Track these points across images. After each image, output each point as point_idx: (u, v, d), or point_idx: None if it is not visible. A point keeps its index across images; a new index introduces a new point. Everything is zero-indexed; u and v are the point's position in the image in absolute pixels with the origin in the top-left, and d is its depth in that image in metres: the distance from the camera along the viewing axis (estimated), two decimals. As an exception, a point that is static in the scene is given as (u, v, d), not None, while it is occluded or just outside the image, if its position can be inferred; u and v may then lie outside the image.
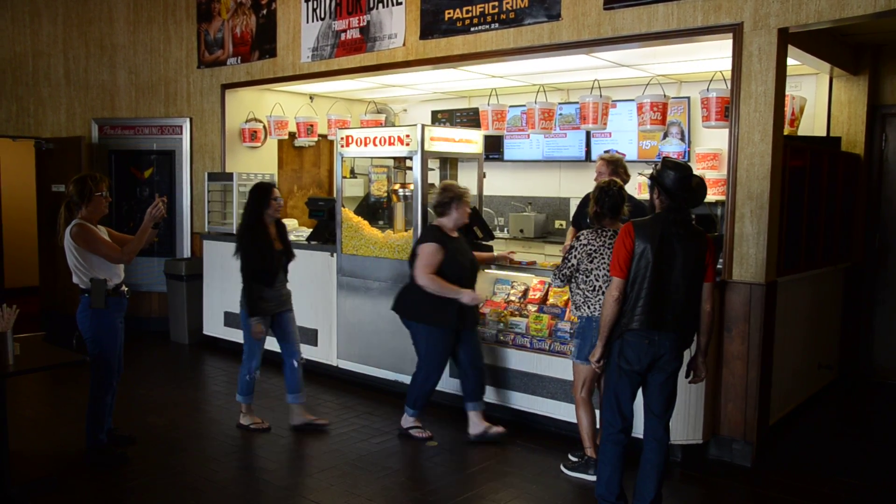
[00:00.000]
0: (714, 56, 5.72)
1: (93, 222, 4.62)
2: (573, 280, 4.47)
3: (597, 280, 4.34)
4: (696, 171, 6.83)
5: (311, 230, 7.09)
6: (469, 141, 6.34)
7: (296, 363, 5.29)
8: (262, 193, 5.08)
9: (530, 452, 4.89)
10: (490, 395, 5.55)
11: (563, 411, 5.11)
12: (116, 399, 4.97)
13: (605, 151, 5.60)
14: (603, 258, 4.32)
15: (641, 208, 4.81)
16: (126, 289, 4.76)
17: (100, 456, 4.67)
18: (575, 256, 4.39)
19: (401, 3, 6.47)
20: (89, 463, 4.66)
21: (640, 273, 3.68)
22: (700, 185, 3.82)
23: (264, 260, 5.03)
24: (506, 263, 5.63)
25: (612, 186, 4.41)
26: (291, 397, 5.33)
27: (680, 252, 3.68)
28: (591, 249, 4.36)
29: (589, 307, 4.38)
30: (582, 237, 4.40)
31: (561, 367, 5.11)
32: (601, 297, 4.26)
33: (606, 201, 4.36)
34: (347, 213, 6.45)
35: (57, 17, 8.37)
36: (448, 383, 5.80)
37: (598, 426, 4.38)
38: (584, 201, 5.34)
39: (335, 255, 6.54)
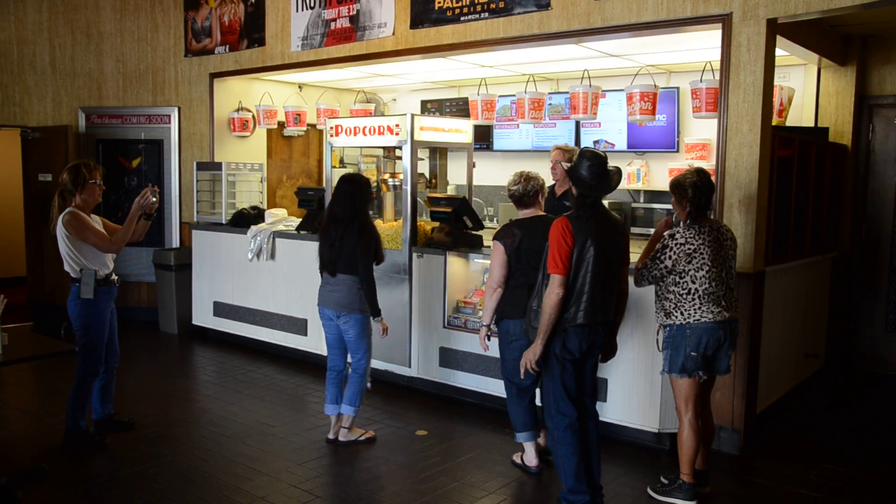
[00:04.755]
0: (703, 46, 5.73)
1: (86, 210, 4.66)
2: (660, 283, 4.04)
3: (693, 282, 3.91)
4: (685, 161, 6.94)
5: (300, 220, 7.08)
6: (459, 130, 6.34)
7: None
8: (364, 185, 4.86)
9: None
10: (479, 384, 5.58)
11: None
12: (107, 391, 5.01)
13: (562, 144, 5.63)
14: (703, 258, 3.90)
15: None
16: (116, 277, 4.81)
17: (77, 442, 4.70)
18: (670, 257, 3.94)
19: (390, -8, 6.45)
20: (65, 447, 4.69)
21: (583, 268, 3.68)
22: (616, 174, 3.86)
23: (379, 253, 4.87)
24: None
25: (705, 178, 4.00)
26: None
27: (611, 242, 3.78)
28: (690, 249, 3.91)
29: (682, 313, 3.93)
30: (678, 235, 3.95)
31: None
32: (696, 300, 3.91)
33: (703, 196, 3.98)
34: (337, 203, 6.42)
35: (42, 4, 8.27)
36: (440, 373, 5.82)
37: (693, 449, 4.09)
38: (551, 193, 5.36)
39: (325, 244, 6.51)
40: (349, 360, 4.97)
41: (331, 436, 4.97)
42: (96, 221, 4.74)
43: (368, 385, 4.98)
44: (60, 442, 4.74)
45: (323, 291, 4.88)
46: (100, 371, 4.79)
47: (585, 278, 3.68)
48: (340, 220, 4.73)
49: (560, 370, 3.79)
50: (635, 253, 4.30)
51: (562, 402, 3.80)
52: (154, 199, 4.63)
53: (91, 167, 4.66)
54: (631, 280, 4.15)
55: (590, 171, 3.76)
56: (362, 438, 4.95)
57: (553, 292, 3.68)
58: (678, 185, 4.03)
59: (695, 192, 3.97)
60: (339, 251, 4.73)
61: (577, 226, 3.70)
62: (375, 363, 6.15)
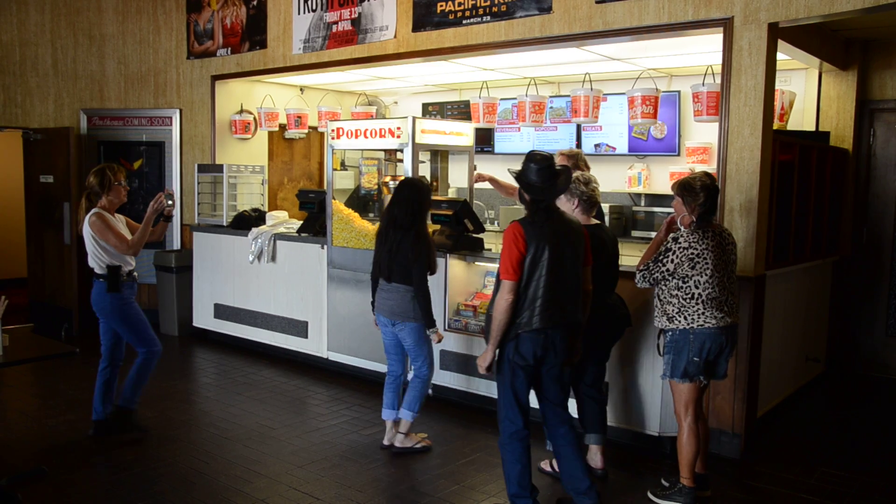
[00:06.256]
0: (704, 50, 5.74)
1: (111, 211, 4.89)
2: (662, 286, 4.01)
3: (696, 287, 3.88)
4: (686, 165, 6.95)
5: (301, 222, 7.08)
6: (460, 133, 6.34)
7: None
8: (427, 191, 4.75)
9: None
10: (481, 387, 5.58)
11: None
12: (109, 389, 5.03)
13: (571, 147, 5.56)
14: (706, 263, 3.87)
15: None
16: (136, 273, 5.04)
17: (125, 419, 4.97)
18: (672, 260, 3.91)
19: (392, -5, 6.46)
20: (111, 423, 4.96)
21: (537, 272, 3.63)
22: (564, 173, 3.81)
23: (432, 263, 4.68)
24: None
25: (713, 182, 3.98)
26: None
27: (567, 245, 3.70)
28: (693, 254, 3.87)
29: (685, 318, 3.91)
30: (682, 239, 3.91)
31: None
32: (699, 306, 3.89)
33: (712, 200, 3.95)
34: (338, 206, 6.44)
35: (44, 5, 8.29)
36: (440, 376, 5.82)
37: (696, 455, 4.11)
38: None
39: (325, 247, 6.53)
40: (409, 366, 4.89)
41: (386, 442, 4.89)
42: (121, 220, 4.96)
43: (430, 392, 4.91)
44: (94, 424, 4.96)
45: (378, 297, 4.80)
46: (159, 345, 5.02)
47: (539, 282, 3.63)
48: (401, 225, 4.59)
49: (511, 376, 3.72)
50: (635, 256, 4.29)
51: (509, 409, 3.75)
52: (171, 203, 4.87)
53: (115, 170, 4.91)
54: (629, 282, 4.15)
55: (539, 174, 3.72)
56: (419, 446, 4.85)
57: (503, 298, 3.63)
58: (689, 187, 3.98)
59: (706, 195, 3.94)
60: (394, 257, 4.63)
61: (529, 231, 3.65)
62: (376, 366, 6.16)
